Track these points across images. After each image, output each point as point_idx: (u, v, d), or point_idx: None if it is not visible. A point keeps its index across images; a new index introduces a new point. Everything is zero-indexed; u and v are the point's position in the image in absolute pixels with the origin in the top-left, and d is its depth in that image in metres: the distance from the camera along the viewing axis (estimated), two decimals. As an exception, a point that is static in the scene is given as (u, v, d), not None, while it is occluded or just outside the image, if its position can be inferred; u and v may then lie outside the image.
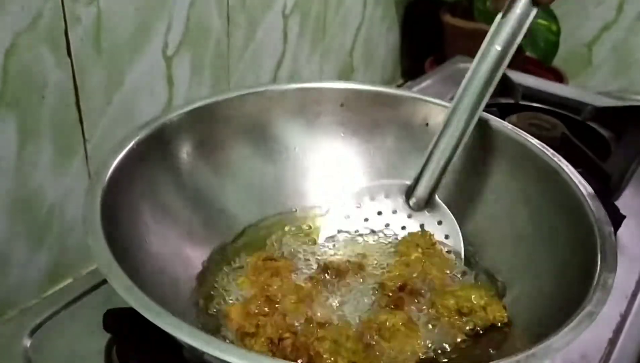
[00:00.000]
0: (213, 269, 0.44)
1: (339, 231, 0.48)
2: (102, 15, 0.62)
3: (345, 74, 1.09)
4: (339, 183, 0.52)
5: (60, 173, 0.64)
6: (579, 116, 0.75)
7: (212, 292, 0.42)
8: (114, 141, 0.41)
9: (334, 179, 0.52)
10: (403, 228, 0.48)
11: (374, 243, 0.47)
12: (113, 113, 0.66)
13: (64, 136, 0.62)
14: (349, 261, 0.45)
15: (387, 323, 0.38)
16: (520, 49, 0.70)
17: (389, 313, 0.40)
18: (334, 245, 0.47)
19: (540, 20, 1.00)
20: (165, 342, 0.32)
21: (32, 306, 0.45)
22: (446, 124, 0.45)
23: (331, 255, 0.46)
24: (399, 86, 0.97)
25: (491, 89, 0.44)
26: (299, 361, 0.36)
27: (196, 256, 0.44)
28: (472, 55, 0.93)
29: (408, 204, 0.48)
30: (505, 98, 0.77)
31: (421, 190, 0.47)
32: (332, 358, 0.36)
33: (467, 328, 0.40)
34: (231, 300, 0.41)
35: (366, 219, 0.48)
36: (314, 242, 0.48)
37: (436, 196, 0.47)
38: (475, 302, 0.40)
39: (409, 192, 0.47)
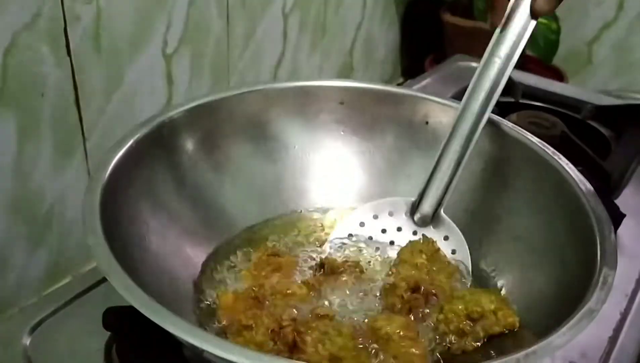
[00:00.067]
0: (213, 267, 0.44)
1: (342, 245, 0.47)
2: (102, 14, 0.62)
3: (345, 73, 1.09)
4: (339, 181, 0.52)
5: (59, 172, 0.64)
6: (579, 115, 0.75)
7: (211, 290, 0.42)
8: (114, 140, 0.41)
9: (334, 177, 0.52)
10: None
11: (376, 254, 0.46)
12: (113, 112, 0.66)
13: (64, 135, 0.62)
14: (346, 260, 0.44)
15: (383, 331, 0.37)
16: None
17: (386, 319, 0.39)
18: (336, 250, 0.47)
19: (540, 19, 1.00)
20: (165, 339, 0.32)
21: (31, 305, 0.45)
22: (447, 142, 0.44)
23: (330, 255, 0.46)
24: (399, 85, 0.97)
25: (493, 102, 0.44)
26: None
27: (196, 255, 0.44)
28: (472, 54, 0.93)
29: (413, 220, 0.47)
30: (505, 97, 0.77)
31: (426, 206, 0.46)
32: (314, 348, 0.36)
33: (479, 334, 0.39)
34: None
35: (370, 238, 0.47)
36: (318, 244, 0.47)
37: (442, 211, 0.46)
38: (485, 307, 0.39)
39: (413, 208, 0.47)
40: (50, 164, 0.62)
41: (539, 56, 1.07)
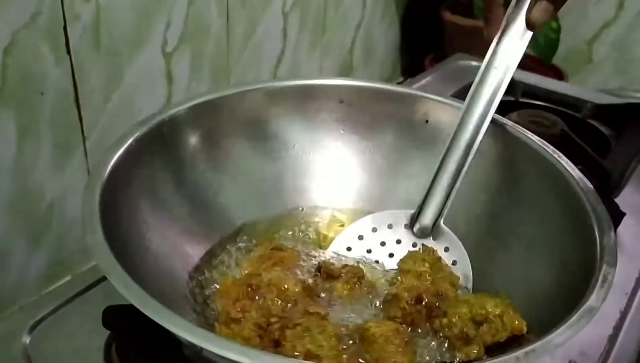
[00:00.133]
0: (212, 266, 0.44)
1: (340, 259, 0.46)
2: (101, 12, 0.62)
3: (345, 72, 1.09)
4: (339, 180, 0.52)
5: (59, 171, 0.64)
6: (579, 114, 0.75)
7: (210, 288, 0.42)
8: (114, 139, 0.41)
9: (334, 176, 0.52)
10: None
11: (375, 266, 0.46)
12: (112, 110, 0.66)
13: (63, 133, 0.62)
14: (346, 265, 0.44)
15: (369, 332, 0.37)
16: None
17: (377, 322, 0.38)
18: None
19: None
20: (165, 338, 0.32)
21: (31, 303, 0.45)
22: (446, 154, 0.44)
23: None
24: (398, 84, 0.97)
25: (491, 114, 0.44)
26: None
27: (195, 254, 0.44)
28: (472, 52, 0.93)
29: (412, 232, 0.46)
30: (505, 96, 0.76)
31: (426, 217, 0.45)
32: (292, 342, 0.35)
33: (485, 340, 0.37)
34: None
35: (369, 251, 0.46)
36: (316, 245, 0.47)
37: (441, 222, 0.45)
38: (490, 310, 0.37)
39: (412, 220, 0.46)
40: (50, 163, 0.62)
41: (539, 54, 1.06)
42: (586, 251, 0.37)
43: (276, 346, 0.36)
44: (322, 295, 0.42)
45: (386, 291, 0.42)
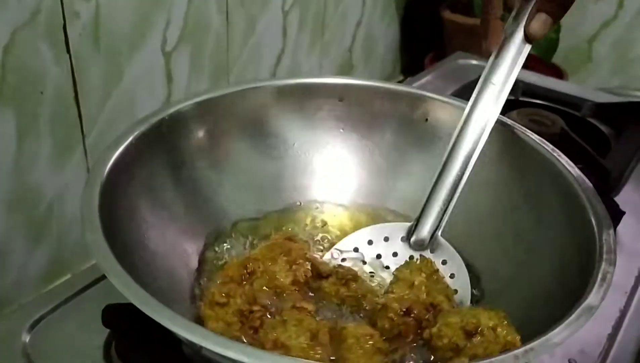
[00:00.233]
0: (212, 264, 0.44)
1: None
2: (101, 11, 0.62)
3: (345, 71, 1.09)
4: (338, 179, 0.52)
5: (59, 169, 0.64)
6: (578, 112, 0.75)
7: (210, 287, 0.42)
8: (113, 137, 0.41)
9: (334, 175, 0.52)
10: None
11: (370, 276, 0.45)
12: (112, 109, 0.66)
13: (63, 132, 0.62)
14: (341, 265, 0.43)
15: (343, 332, 0.36)
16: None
17: (355, 324, 0.38)
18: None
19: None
20: (164, 336, 0.32)
21: (31, 302, 0.45)
22: (443, 169, 0.43)
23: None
24: (398, 83, 0.97)
25: (489, 130, 0.43)
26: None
27: (195, 252, 0.44)
28: (471, 51, 0.93)
29: (409, 245, 0.45)
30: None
31: (423, 230, 0.44)
32: (266, 331, 0.36)
33: (476, 352, 0.35)
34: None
35: (364, 263, 0.45)
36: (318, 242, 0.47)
37: (439, 235, 0.44)
38: (482, 321, 0.36)
39: (409, 233, 0.45)
40: (50, 162, 0.62)
41: (539, 53, 1.07)
42: (585, 250, 0.37)
43: (255, 334, 0.37)
44: (312, 292, 0.41)
45: (378, 297, 0.41)
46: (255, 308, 0.38)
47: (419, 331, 0.38)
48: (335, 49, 1.04)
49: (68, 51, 0.60)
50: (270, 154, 0.50)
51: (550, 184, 0.43)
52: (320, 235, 0.48)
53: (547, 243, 0.42)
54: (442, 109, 0.50)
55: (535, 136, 0.46)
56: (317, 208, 0.51)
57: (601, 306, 0.32)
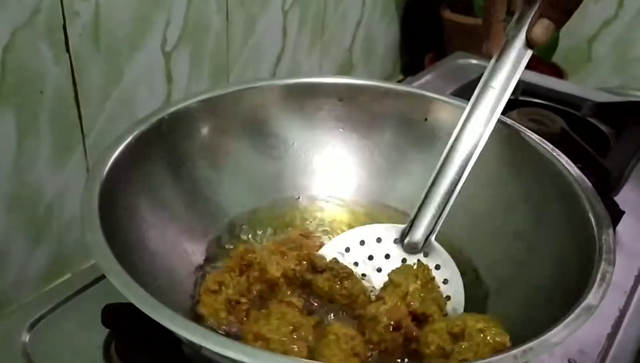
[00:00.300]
0: (211, 263, 0.44)
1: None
2: (101, 10, 0.62)
3: (345, 70, 1.09)
4: (338, 179, 0.52)
5: (59, 169, 0.64)
6: (578, 112, 0.75)
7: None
8: (113, 137, 0.41)
9: (334, 175, 0.52)
10: None
11: (362, 280, 0.44)
12: (112, 109, 0.66)
13: (63, 132, 0.62)
14: (337, 261, 0.43)
15: (325, 329, 0.36)
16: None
17: (340, 323, 0.37)
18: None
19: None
20: (164, 336, 0.32)
21: (31, 302, 0.45)
22: (439, 171, 0.43)
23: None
24: (398, 82, 0.97)
25: (487, 135, 0.42)
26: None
27: (194, 252, 0.44)
28: (471, 51, 0.93)
29: (402, 247, 0.44)
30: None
31: (417, 233, 0.43)
32: (249, 323, 0.36)
33: (467, 356, 0.34)
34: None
35: (356, 264, 0.44)
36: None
37: (433, 239, 0.43)
38: (469, 324, 0.35)
39: (403, 235, 0.44)
40: (50, 162, 0.62)
41: (539, 53, 1.06)
42: (585, 250, 0.37)
43: (241, 325, 0.38)
44: (304, 286, 0.41)
45: (370, 299, 0.41)
46: (243, 300, 0.38)
47: (406, 344, 0.37)
48: (335, 49, 1.04)
49: (68, 51, 0.60)
50: (270, 154, 0.50)
51: (550, 184, 0.43)
52: (320, 234, 0.49)
53: (547, 242, 0.42)
54: (442, 109, 0.50)
55: (535, 136, 0.46)
56: (317, 207, 0.51)
57: (601, 306, 0.32)
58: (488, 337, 0.35)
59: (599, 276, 0.34)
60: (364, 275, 0.44)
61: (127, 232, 0.38)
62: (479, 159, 0.43)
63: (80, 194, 0.36)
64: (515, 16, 0.43)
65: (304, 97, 0.51)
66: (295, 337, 0.36)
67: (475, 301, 0.42)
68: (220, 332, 0.38)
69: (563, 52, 1.16)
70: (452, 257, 0.43)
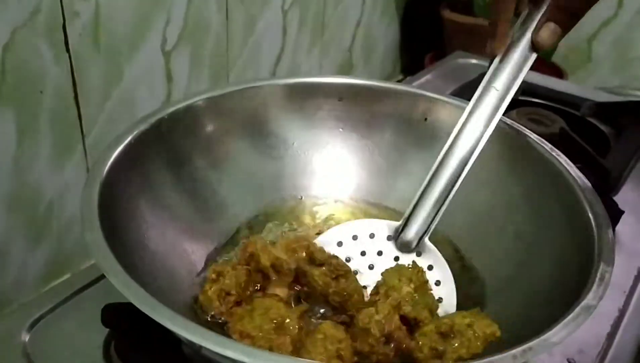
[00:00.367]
0: (210, 263, 0.44)
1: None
2: (101, 10, 0.62)
3: (345, 70, 1.09)
4: (338, 178, 0.52)
5: (58, 169, 0.64)
6: (578, 112, 0.75)
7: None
8: (113, 137, 0.41)
9: (333, 174, 0.52)
10: None
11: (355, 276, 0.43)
12: (112, 109, 0.66)
13: (63, 131, 0.62)
14: (336, 257, 0.42)
15: (318, 327, 0.36)
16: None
17: (331, 323, 0.37)
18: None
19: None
20: (164, 336, 0.32)
21: (30, 301, 0.45)
22: (437, 171, 0.43)
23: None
24: (398, 82, 0.97)
25: (487, 136, 0.42)
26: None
27: (194, 251, 0.44)
28: (471, 51, 0.93)
29: (395, 245, 0.43)
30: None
31: (411, 232, 0.43)
32: (234, 320, 0.37)
33: (460, 353, 0.34)
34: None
35: (348, 259, 0.43)
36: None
37: (426, 239, 0.43)
38: (456, 321, 0.35)
39: (396, 232, 0.43)
40: (49, 161, 0.62)
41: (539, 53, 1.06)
42: (584, 250, 0.37)
43: (230, 317, 0.38)
44: (300, 278, 0.41)
45: (364, 300, 0.40)
46: (232, 292, 0.39)
47: (397, 354, 0.37)
48: (335, 48, 1.04)
49: (68, 51, 0.60)
50: (270, 154, 0.50)
51: (550, 183, 0.43)
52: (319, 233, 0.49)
53: (547, 242, 0.42)
54: (441, 109, 0.50)
55: (534, 136, 0.46)
56: (316, 207, 0.51)
57: (600, 306, 0.32)
58: (477, 330, 0.35)
59: (598, 276, 0.34)
60: (356, 272, 0.43)
61: (127, 232, 0.38)
62: (478, 159, 0.43)
63: (80, 194, 0.36)
64: (522, 17, 0.43)
65: (304, 97, 0.51)
66: (279, 332, 0.36)
67: (475, 301, 0.42)
68: (208, 318, 0.39)
69: (563, 52, 1.16)
70: (451, 257, 0.43)
